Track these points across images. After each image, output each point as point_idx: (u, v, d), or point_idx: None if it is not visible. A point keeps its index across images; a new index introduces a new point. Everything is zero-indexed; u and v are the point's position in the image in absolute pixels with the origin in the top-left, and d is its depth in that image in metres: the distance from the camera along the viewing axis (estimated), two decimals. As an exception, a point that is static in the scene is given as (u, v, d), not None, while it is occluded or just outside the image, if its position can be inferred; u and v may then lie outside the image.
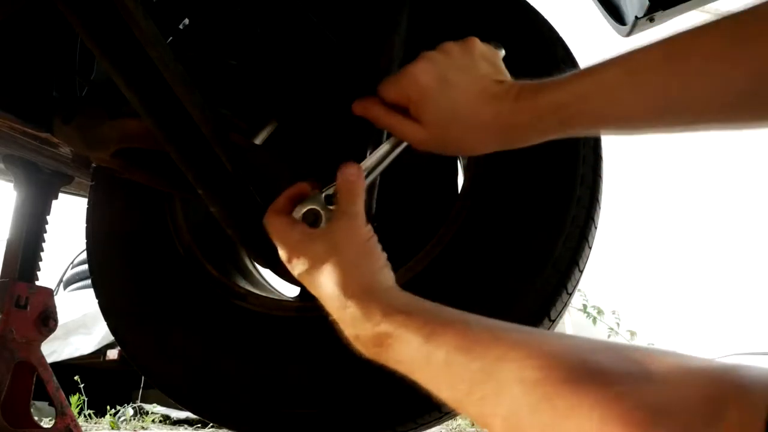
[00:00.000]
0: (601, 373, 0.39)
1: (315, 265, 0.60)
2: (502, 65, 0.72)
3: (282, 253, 0.63)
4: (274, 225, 0.64)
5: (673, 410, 0.35)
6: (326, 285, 0.59)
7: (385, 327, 0.53)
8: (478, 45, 0.71)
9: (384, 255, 0.62)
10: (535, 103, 0.62)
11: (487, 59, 0.70)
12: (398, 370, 0.53)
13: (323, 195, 0.65)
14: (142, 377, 1.52)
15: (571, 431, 0.38)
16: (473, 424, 3.49)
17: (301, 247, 0.61)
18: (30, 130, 1.30)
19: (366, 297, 0.56)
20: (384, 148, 0.71)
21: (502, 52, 0.76)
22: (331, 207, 0.64)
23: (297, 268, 0.62)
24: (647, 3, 1.28)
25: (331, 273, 0.58)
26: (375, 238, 0.62)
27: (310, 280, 0.61)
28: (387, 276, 0.60)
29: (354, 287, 0.57)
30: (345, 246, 0.60)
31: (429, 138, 0.67)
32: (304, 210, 0.65)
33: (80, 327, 3.92)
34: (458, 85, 0.66)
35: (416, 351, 0.50)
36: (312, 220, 0.64)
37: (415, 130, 0.67)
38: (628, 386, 0.37)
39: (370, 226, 0.62)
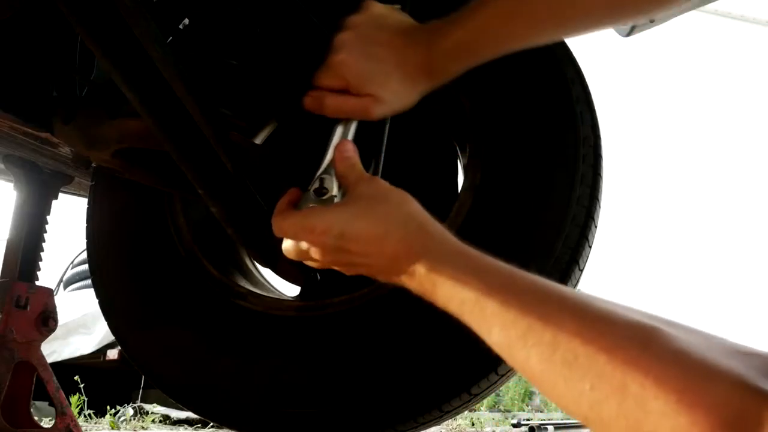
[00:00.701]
0: (662, 335, 0.40)
1: (353, 223, 0.60)
2: (406, 17, 0.77)
3: (307, 242, 0.62)
4: (287, 221, 0.64)
5: (727, 376, 0.36)
6: (374, 232, 0.59)
7: (441, 265, 0.55)
8: (377, 7, 0.76)
9: (412, 198, 0.64)
10: (444, 46, 0.70)
11: (390, 17, 0.75)
12: (447, 309, 0.55)
13: (311, 191, 0.66)
14: (143, 377, 1.52)
15: (629, 384, 0.39)
16: (473, 424, 3.48)
17: (327, 223, 0.61)
18: (30, 130, 1.30)
19: (421, 233, 0.59)
20: (338, 131, 0.74)
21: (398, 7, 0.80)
22: (323, 197, 0.65)
23: (329, 236, 0.60)
24: (647, 2, 1.28)
25: (379, 221, 0.60)
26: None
27: (347, 236, 0.60)
28: (429, 216, 0.62)
29: (406, 226, 0.59)
30: (384, 195, 0.62)
31: (376, 105, 0.72)
32: (309, 206, 0.65)
33: (80, 327, 3.93)
34: (379, 52, 0.72)
35: (472, 292, 0.52)
36: None
37: (364, 103, 0.72)
38: (685, 348, 0.38)
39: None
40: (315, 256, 0.63)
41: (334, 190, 0.66)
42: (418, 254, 0.57)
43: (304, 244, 0.63)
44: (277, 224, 0.65)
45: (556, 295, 0.48)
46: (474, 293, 0.52)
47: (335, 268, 0.65)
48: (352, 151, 0.68)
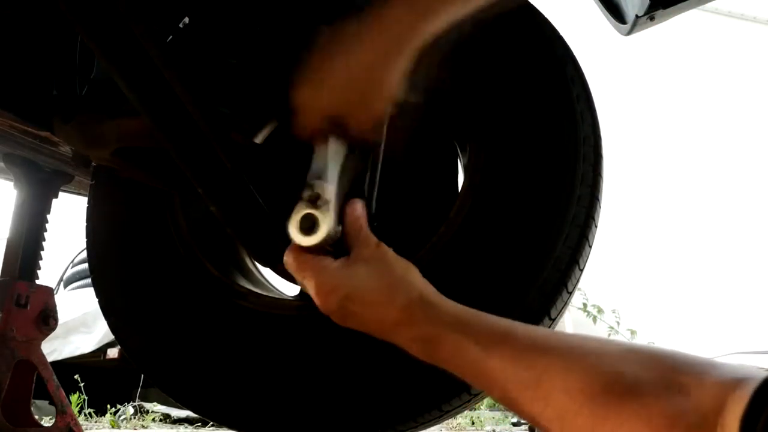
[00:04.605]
0: (631, 386, 0.47)
1: (359, 287, 0.63)
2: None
3: (315, 288, 0.65)
4: (305, 262, 0.65)
5: (685, 421, 0.43)
6: (378, 299, 0.63)
7: (441, 331, 0.60)
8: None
9: (416, 268, 0.67)
10: None
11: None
12: (448, 369, 0.60)
13: (305, 199, 0.65)
14: (143, 376, 1.52)
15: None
16: (473, 423, 3.49)
17: (335, 284, 0.64)
18: (30, 129, 1.30)
19: (422, 303, 0.62)
20: (336, 159, 0.71)
21: None
22: (318, 204, 0.64)
23: (335, 296, 0.64)
24: (648, 1, 1.28)
25: (384, 288, 0.63)
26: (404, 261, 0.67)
27: (352, 298, 0.64)
28: (430, 285, 0.65)
29: (408, 295, 0.62)
30: (390, 264, 0.65)
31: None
32: (303, 213, 0.64)
33: (80, 326, 3.93)
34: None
35: (471, 357, 0.57)
36: (308, 225, 0.64)
37: None
38: (652, 397, 0.45)
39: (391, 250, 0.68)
40: (316, 302, 0.66)
41: (328, 195, 0.65)
42: (419, 323, 0.61)
43: (307, 284, 0.65)
44: (289, 258, 0.66)
45: (549, 352, 0.53)
46: (475, 358, 0.57)
47: (331, 317, 0.67)
48: (361, 210, 0.69)
